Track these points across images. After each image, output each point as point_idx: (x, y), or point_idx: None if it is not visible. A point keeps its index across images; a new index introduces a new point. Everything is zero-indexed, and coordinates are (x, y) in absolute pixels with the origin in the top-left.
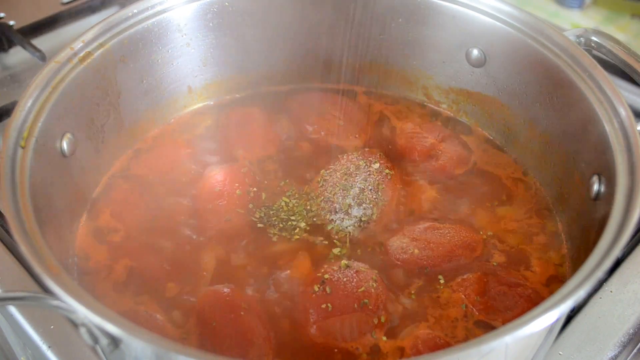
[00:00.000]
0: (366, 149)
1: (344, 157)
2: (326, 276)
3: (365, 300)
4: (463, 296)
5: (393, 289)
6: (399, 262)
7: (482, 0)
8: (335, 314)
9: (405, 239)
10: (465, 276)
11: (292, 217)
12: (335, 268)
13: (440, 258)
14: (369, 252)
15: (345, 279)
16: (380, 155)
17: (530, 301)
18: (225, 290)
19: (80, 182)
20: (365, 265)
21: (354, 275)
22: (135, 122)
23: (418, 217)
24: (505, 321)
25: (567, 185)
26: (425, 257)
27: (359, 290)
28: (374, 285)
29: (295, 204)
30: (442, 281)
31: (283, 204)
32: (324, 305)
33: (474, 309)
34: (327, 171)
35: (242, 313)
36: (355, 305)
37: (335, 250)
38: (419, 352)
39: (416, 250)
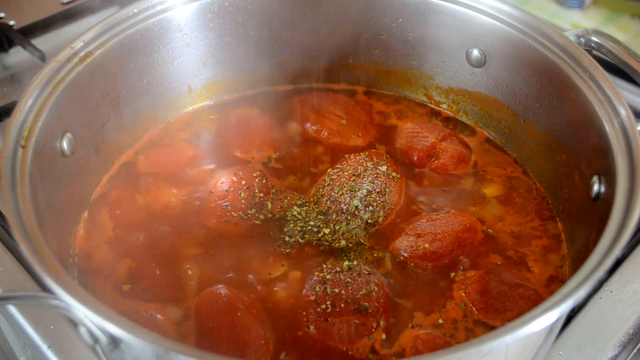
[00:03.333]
0: (373, 150)
1: (351, 157)
2: (327, 277)
3: (365, 304)
4: (463, 294)
5: (395, 290)
6: (412, 260)
7: (482, 0)
8: (334, 315)
9: (411, 237)
10: (466, 273)
11: (311, 223)
12: (337, 269)
13: (451, 246)
14: (374, 255)
15: (346, 281)
16: (387, 157)
17: (530, 302)
18: (223, 291)
19: (80, 182)
20: (368, 267)
21: (356, 277)
22: (135, 122)
23: (418, 215)
24: (504, 322)
25: (567, 186)
26: (437, 248)
27: (360, 293)
28: (375, 289)
29: (308, 211)
30: (452, 275)
31: (295, 212)
32: (323, 306)
33: (473, 308)
34: (334, 170)
35: (239, 314)
36: (354, 308)
37: (347, 263)
38: (418, 352)
39: (426, 245)
